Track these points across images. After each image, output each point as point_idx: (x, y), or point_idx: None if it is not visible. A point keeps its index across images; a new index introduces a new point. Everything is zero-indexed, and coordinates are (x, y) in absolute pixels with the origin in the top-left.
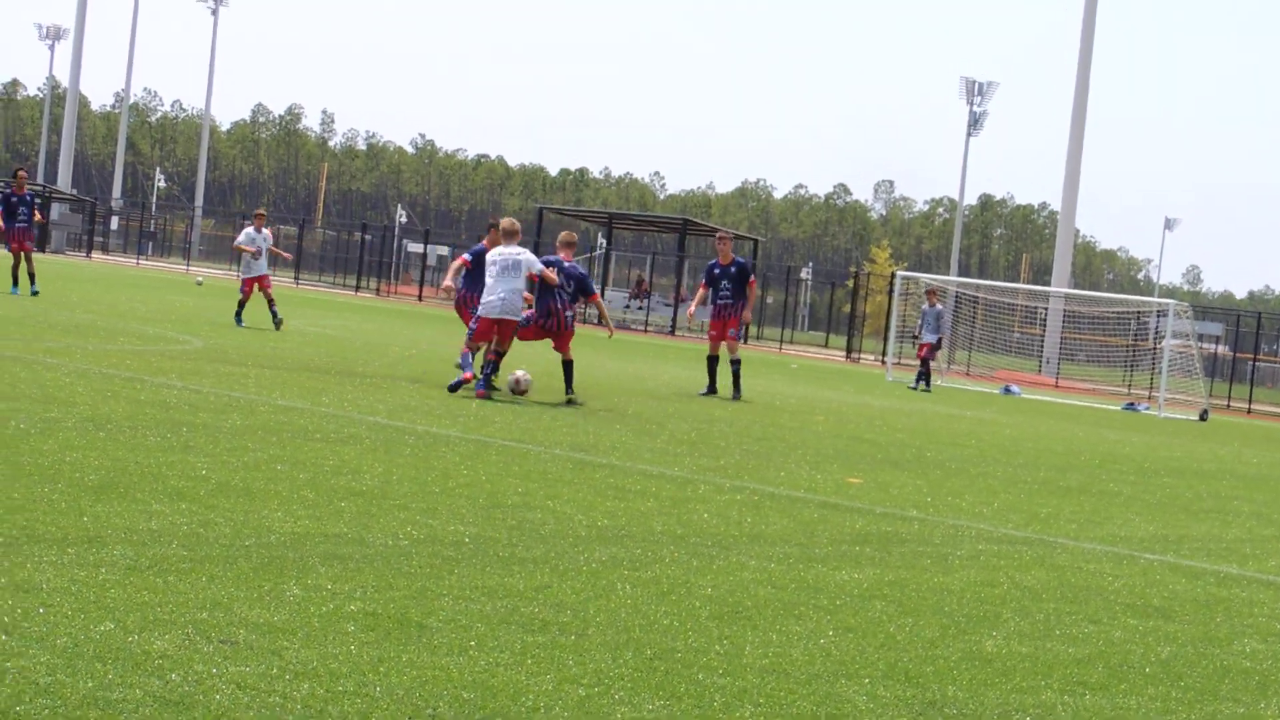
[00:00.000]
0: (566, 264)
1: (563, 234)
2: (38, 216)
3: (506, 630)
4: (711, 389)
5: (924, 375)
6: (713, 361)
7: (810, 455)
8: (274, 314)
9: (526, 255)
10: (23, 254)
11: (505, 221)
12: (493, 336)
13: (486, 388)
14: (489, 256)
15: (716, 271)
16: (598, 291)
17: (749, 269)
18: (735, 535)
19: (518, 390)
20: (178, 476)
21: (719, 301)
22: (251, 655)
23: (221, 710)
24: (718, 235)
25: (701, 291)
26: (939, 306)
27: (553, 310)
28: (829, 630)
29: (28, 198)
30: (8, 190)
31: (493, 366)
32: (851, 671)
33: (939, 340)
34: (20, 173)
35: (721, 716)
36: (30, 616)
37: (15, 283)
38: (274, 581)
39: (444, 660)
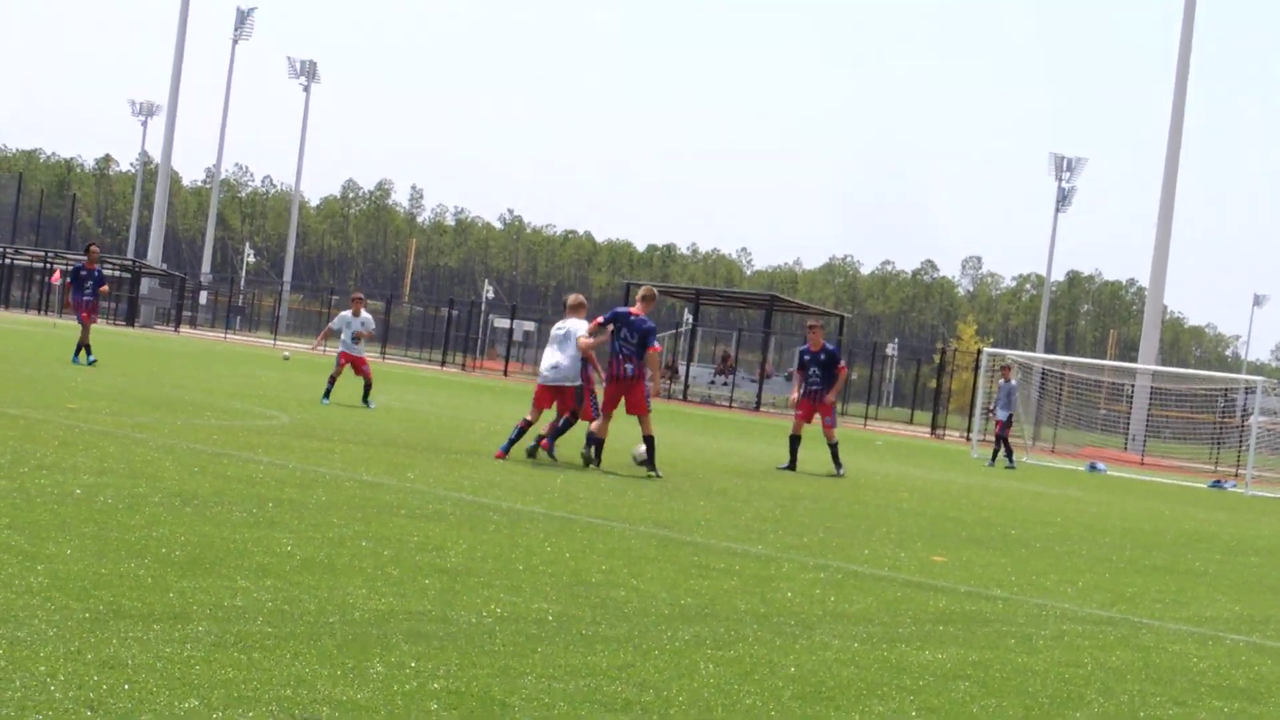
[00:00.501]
0: (633, 318)
1: (571, 297)
2: (104, 289)
3: (589, 709)
4: (791, 465)
5: (1008, 452)
6: (794, 440)
7: (894, 533)
8: (367, 398)
9: (576, 324)
10: (87, 325)
11: (571, 298)
12: (549, 403)
13: (507, 450)
14: (553, 329)
15: (807, 358)
16: (658, 345)
17: (838, 355)
18: (818, 614)
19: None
20: (263, 552)
21: (809, 387)
22: None
23: None
24: (808, 324)
25: (799, 376)
26: (1013, 382)
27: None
28: (912, 711)
29: (96, 273)
30: (80, 265)
31: (557, 431)
32: None
33: (1009, 417)
34: (93, 248)
35: None
36: (116, 693)
37: (76, 353)
38: (357, 659)
39: None
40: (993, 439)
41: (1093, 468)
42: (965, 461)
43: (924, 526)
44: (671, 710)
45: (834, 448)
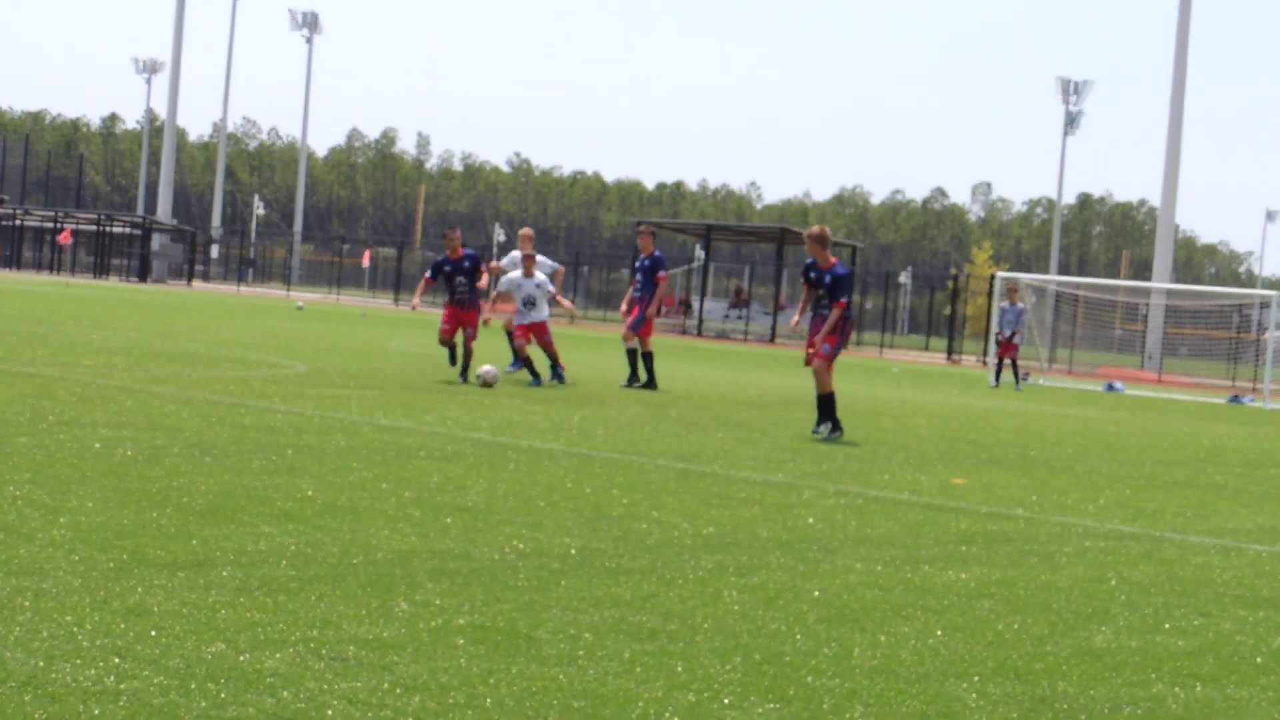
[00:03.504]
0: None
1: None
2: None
3: (615, 639)
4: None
5: (1014, 373)
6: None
7: (914, 458)
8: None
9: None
10: None
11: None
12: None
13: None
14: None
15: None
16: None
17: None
18: (840, 539)
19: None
20: (284, 498)
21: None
22: (362, 671)
23: None
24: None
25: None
26: (1020, 305)
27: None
28: (937, 630)
29: None
30: None
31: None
32: (961, 670)
33: (1011, 335)
34: None
35: (831, 718)
36: (143, 639)
37: None
38: (382, 598)
39: (554, 671)
40: (997, 361)
41: (1110, 387)
42: (982, 386)
43: (943, 450)
44: (697, 637)
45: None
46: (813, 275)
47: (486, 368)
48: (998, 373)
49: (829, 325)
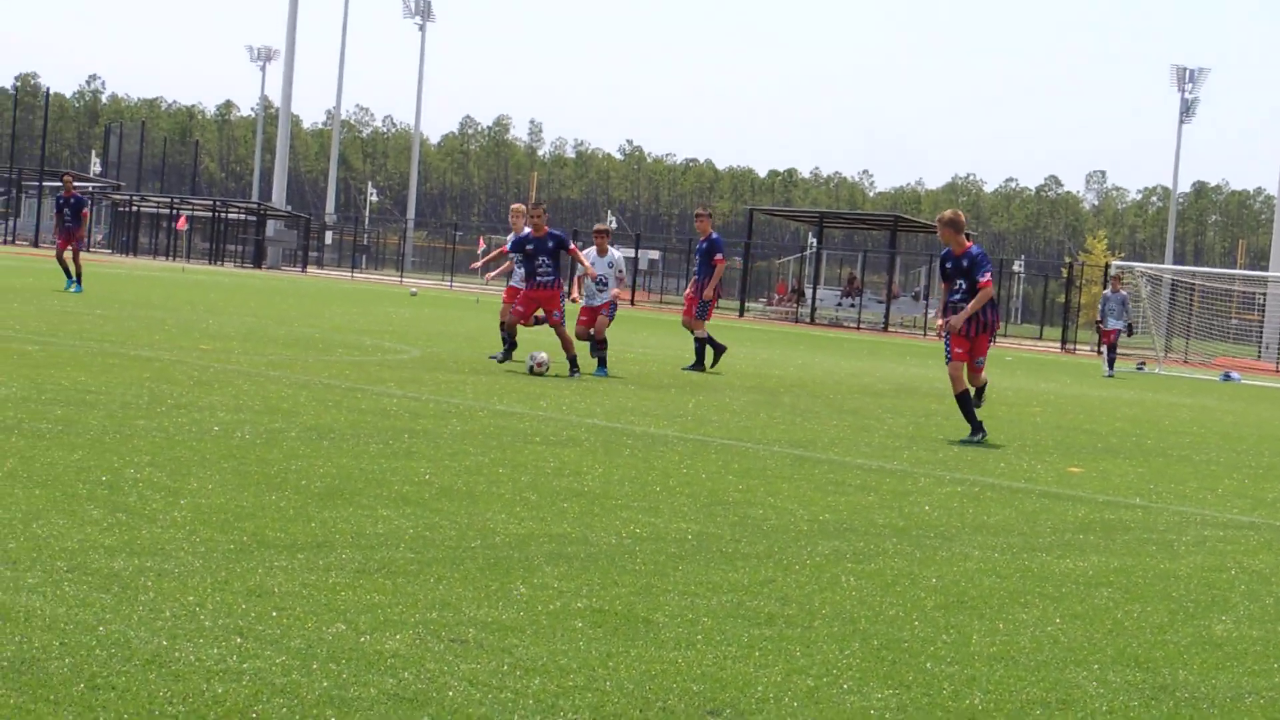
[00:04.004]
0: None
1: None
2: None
3: (733, 624)
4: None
5: (1109, 359)
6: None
7: (1029, 446)
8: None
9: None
10: (69, 251)
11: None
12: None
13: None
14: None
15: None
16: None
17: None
18: (957, 526)
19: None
20: (401, 482)
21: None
22: (482, 653)
23: (455, 706)
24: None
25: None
26: (1123, 292)
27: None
28: (1056, 618)
29: (73, 200)
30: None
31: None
32: (1080, 658)
33: (1129, 327)
34: (66, 177)
35: (950, 704)
36: (264, 620)
37: (68, 276)
38: (501, 581)
39: (672, 654)
40: (1106, 349)
41: (1226, 377)
42: (1096, 375)
43: (1058, 439)
44: (816, 622)
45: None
46: (949, 266)
47: (540, 355)
48: (1110, 360)
49: (972, 309)
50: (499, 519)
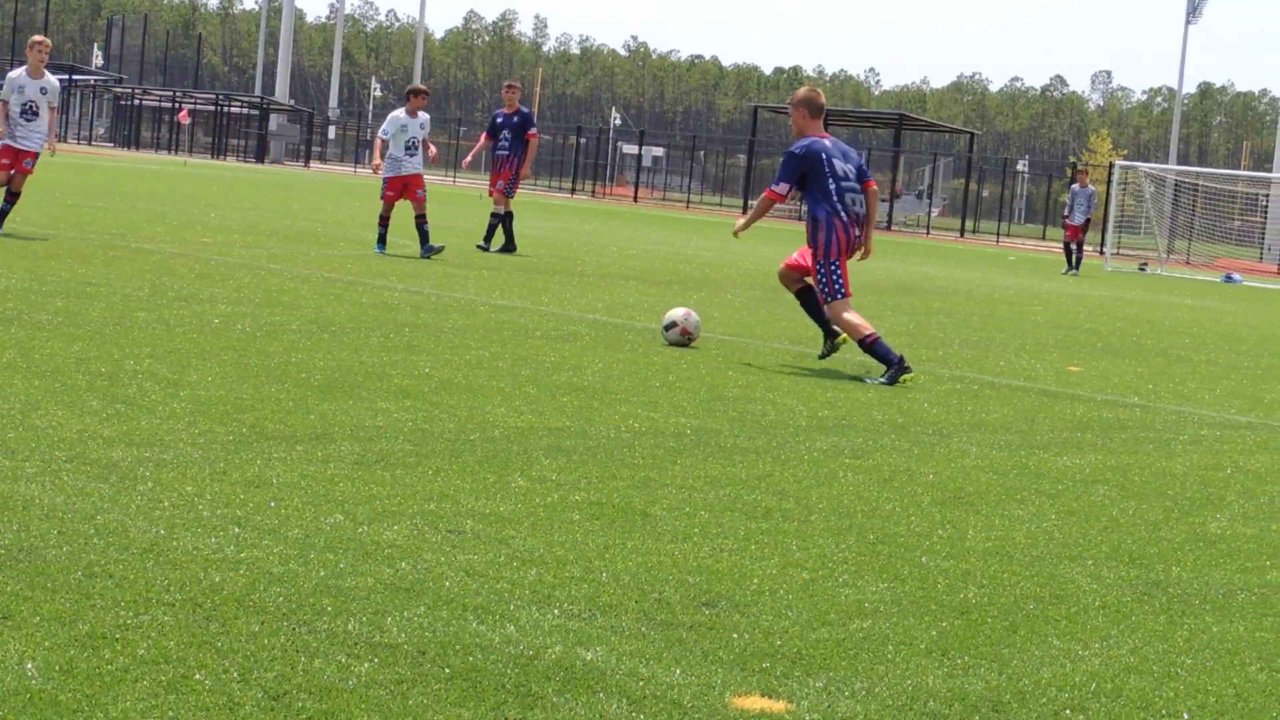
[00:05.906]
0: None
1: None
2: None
3: (730, 517)
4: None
5: (1074, 257)
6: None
7: (1029, 345)
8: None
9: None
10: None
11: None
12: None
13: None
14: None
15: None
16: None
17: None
18: (956, 423)
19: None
20: (401, 375)
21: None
22: (479, 544)
23: (451, 596)
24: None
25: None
26: (1091, 187)
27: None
28: (1051, 514)
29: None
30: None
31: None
32: (1075, 554)
33: (1087, 222)
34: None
35: (945, 598)
36: (262, 510)
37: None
38: (499, 474)
39: (669, 546)
40: (1073, 246)
41: (1228, 279)
42: (1099, 275)
43: (1058, 338)
44: (812, 516)
45: None
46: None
47: (689, 317)
48: (1070, 257)
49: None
50: (498, 412)
